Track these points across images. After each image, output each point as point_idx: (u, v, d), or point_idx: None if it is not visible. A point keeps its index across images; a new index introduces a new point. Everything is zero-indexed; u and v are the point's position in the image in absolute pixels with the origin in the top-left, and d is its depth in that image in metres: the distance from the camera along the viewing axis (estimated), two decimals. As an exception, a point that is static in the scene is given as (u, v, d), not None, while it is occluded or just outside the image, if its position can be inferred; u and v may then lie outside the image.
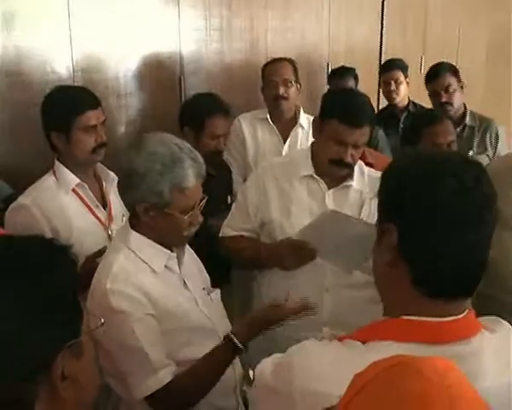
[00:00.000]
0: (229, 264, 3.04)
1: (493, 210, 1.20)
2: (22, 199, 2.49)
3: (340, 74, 4.29)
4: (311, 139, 2.62)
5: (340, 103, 2.39)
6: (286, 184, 2.49)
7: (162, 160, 1.86)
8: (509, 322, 1.29)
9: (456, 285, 1.19)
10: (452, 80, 3.82)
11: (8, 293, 0.99)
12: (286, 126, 3.67)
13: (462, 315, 1.20)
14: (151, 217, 1.90)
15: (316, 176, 2.47)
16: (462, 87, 3.86)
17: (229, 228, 2.61)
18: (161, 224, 1.92)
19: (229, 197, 3.23)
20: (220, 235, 2.64)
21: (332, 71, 4.42)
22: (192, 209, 1.94)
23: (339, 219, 2.22)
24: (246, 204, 2.54)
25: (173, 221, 1.92)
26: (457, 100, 3.83)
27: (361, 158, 3.17)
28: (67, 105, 2.51)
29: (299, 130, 3.66)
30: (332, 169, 2.43)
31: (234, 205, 2.66)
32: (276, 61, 3.67)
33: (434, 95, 3.87)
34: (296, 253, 2.34)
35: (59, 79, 3.07)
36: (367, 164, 3.03)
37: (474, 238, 1.17)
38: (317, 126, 2.46)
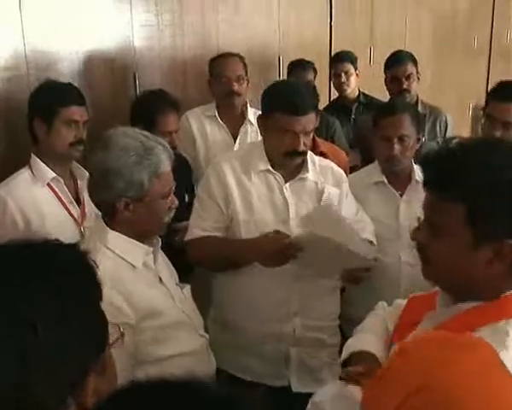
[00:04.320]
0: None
1: None
2: None
3: (302, 67, 4.33)
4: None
5: (280, 95, 2.41)
6: (244, 177, 2.49)
7: (135, 151, 1.89)
8: None
9: None
10: (413, 69, 3.93)
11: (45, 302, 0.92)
12: (235, 123, 3.64)
13: None
14: (131, 210, 1.91)
15: (272, 170, 2.49)
16: (418, 78, 3.96)
17: (199, 229, 2.51)
18: (142, 214, 1.93)
19: (186, 195, 3.16)
20: (189, 238, 2.54)
21: (292, 63, 4.43)
22: (169, 194, 1.98)
23: (330, 215, 2.26)
24: (213, 200, 2.49)
25: (154, 209, 1.95)
26: (414, 89, 3.94)
27: (313, 147, 3.22)
28: (54, 96, 2.61)
29: (248, 126, 3.62)
30: (287, 161, 2.46)
31: (196, 205, 2.57)
32: (226, 57, 3.64)
33: (393, 81, 3.95)
34: (281, 250, 2.28)
35: (12, 77, 3.04)
36: (320, 153, 3.09)
37: None
38: (262, 124, 2.48)
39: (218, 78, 3.59)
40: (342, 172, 2.70)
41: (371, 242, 2.60)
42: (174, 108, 3.14)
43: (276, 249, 2.28)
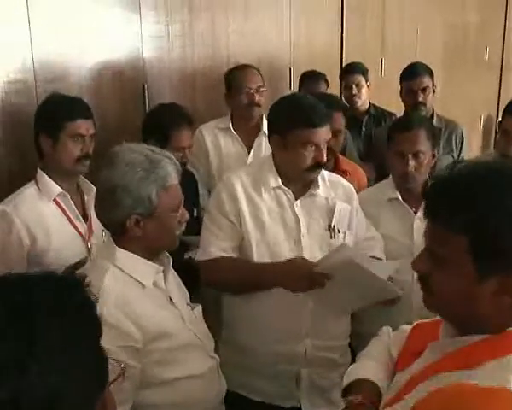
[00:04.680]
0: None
1: None
2: (3, 206, 2.49)
3: (315, 78, 4.31)
4: None
5: (298, 111, 2.37)
6: (254, 194, 2.44)
7: (141, 166, 1.85)
8: None
9: None
10: (429, 82, 3.89)
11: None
12: (249, 135, 3.62)
13: None
14: (141, 228, 1.87)
15: (283, 186, 2.45)
16: (434, 91, 3.91)
17: (218, 249, 2.42)
18: (153, 230, 1.89)
19: (195, 210, 3.12)
20: (205, 258, 2.45)
21: (304, 74, 4.41)
22: (178, 207, 1.94)
23: (355, 269, 2.19)
24: (226, 217, 2.43)
25: (165, 223, 1.91)
26: (430, 102, 3.89)
27: (337, 166, 3.20)
28: (60, 110, 2.57)
29: (263, 137, 3.57)
30: (308, 175, 2.43)
31: (208, 223, 2.48)
32: (245, 68, 3.61)
33: (409, 93, 3.91)
34: (308, 277, 2.23)
35: (20, 90, 3.00)
36: (343, 172, 3.07)
37: None
38: (279, 143, 2.41)
39: (238, 89, 3.54)
40: (352, 187, 2.66)
41: (380, 258, 2.57)
42: (188, 123, 3.11)
43: (305, 275, 2.22)
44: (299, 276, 2.24)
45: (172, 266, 2.13)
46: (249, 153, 3.60)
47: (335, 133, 3.10)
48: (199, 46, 3.95)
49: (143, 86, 3.61)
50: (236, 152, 3.61)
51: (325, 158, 2.39)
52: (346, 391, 1.58)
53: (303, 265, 2.27)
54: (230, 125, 3.61)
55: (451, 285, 1.24)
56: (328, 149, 2.82)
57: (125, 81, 3.54)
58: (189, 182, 3.30)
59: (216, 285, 2.58)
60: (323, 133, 2.35)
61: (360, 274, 2.15)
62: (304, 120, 2.33)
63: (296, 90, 4.44)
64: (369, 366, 1.62)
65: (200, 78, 3.97)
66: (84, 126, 2.58)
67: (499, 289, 1.19)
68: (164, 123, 3.03)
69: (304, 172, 2.40)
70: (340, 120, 3.19)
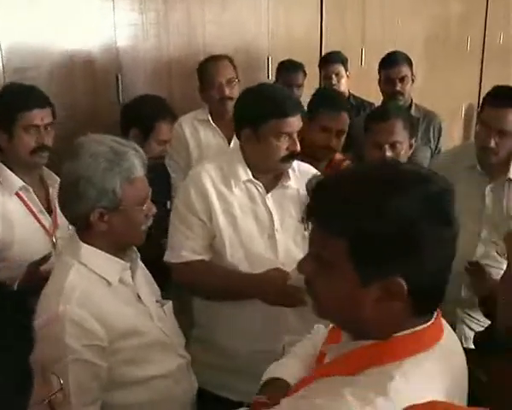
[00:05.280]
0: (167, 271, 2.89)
1: None
2: None
3: (292, 68, 4.25)
4: None
5: (271, 102, 2.30)
6: (225, 189, 2.37)
7: (105, 157, 1.79)
8: None
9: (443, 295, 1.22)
10: (408, 71, 3.86)
11: None
12: (228, 126, 3.50)
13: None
14: (106, 222, 1.81)
15: (254, 180, 2.39)
16: (413, 80, 3.88)
17: (189, 251, 2.35)
18: (118, 225, 1.83)
19: (168, 202, 3.07)
20: (177, 261, 2.38)
21: (281, 63, 4.34)
22: (144, 201, 1.88)
23: None
24: (196, 215, 2.35)
25: (130, 217, 1.85)
26: (408, 91, 3.86)
27: (331, 163, 3.16)
28: (12, 102, 2.48)
29: None
30: (283, 166, 2.38)
31: (177, 222, 2.40)
32: (215, 60, 3.52)
33: (387, 82, 3.87)
34: (282, 292, 2.21)
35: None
36: (338, 163, 3.04)
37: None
38: (250, 136, 2.34)
39: (208, 84, 3.48)
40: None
41: None
42: (172, 117, 3.08)
43: (279, 289, 2.20)
44: (274, 291, 2.22)
45: (144, 262, 2.08)
46: (229, 144, 3.52)
47: (339, 134, 3.05)
48: (174, 35, 3.87)
49: (117, 76, 3.53)
50: (217, 144, 3.54)
51: (299, 147, 2.33)
52: (260, 390, 1.58)
53: (277, 278, 2.23)
54: (209, 117, 3.55)
55: (336, 290, 1.19)
56: (327, 147, 2.78)
57: (97, 70, 3.46)
58: (160, 174, 3.24)
59: (189, 288, 2.51)
60: (296, 122, 2.30)
61: None
62: (276, 110, 2.27)
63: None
64: (289, 364, 1.61)
65: (176, 67, 3.89)
66: (38, 116, 2.48)
67: (382, 294, 1.14)
68: (147, 114, 2.98)
69: (278, 162, 2.35)
70: (346, 120, 3.07)
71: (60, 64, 3.27)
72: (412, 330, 1.18)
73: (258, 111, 2.32)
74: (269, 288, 2.24)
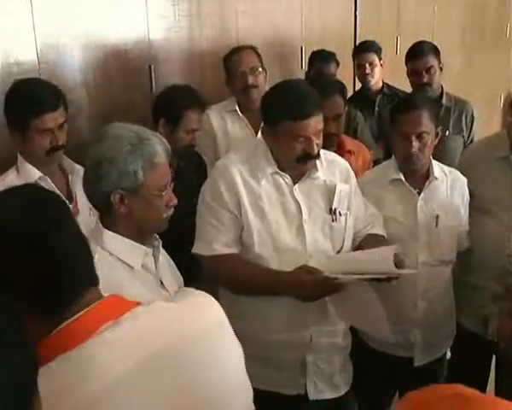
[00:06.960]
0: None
1: None
2: None
3: (325, 58, 4.23)
4: None
5: (286, 102, 2.29)
6: (253, 181, 2.38)
7: (129, 140, 1.83)
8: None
9: None
10: (434, 61, 3.79)
11: None
12: (256, 117, 3.52)
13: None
14: (127, 205, 1.84)
15: (280, 172, 2.40)
16: (441, 69, 3.82)
17: (222, 245, 2.37)
18: (138, 209, 1.86)
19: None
20: (209, 254, 2.40)
21: (313, 53, 4.33)
22: (165, 187, 1.90)
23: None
24: (226, 209, 2.37)
25: (149, 202, 1.87)
26: (437, 81, 3.80)
27: (340, 146, 3.15)
28: (25, 106, 2.49)
29: None
30: (300, 166, 2.37)
31: (207, 215, 2.40)
32: (238, 51, 3.53)
33: (414, 74, 3.83)
34: (320, 287, 2.27)
35: (24, 72, 2.95)
36: (348, 152, 3.02)
37: None
38: (269, 133, 2.37)
39: (233, 74, 3.50)
40: (347, 165, 2.61)
41: (383, 236, 2.56)
42: (201, 106, 3.09)
43: (318, 282, 2.26)
44: (311, 286, 2.26)
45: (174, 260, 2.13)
46: (257, 135, 3.51)
47: (335, 117, 3.06)
48: (207, 27, 3.90)
49: (149, 67, 3.58)
50: (244, 134, 3.55)
51: (315, 150, 2.31)
52: None
53: (310, 279, 2.27)
54: (237, 108, 3.55)
55: None
56: (328, 134, 2.77)
57: (130, 62, 3.50)
58: (200, 167, 3.27)
59: (220, 282, 2.52)
60: (313, 124, 2.27)
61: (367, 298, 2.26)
62: (291, 112, 2.26)
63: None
64: None
65: (209, 59, 3.91)
66: (51, 120, 2.51)
67: None
68: (176, 103, 3.01)
69: (293, 162, 2.35)
70: (338, 103, 3.10)
71: (92, 56, 3.33)
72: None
73: (274, 111, 2.33)
74: (298, 287, 2.28)
